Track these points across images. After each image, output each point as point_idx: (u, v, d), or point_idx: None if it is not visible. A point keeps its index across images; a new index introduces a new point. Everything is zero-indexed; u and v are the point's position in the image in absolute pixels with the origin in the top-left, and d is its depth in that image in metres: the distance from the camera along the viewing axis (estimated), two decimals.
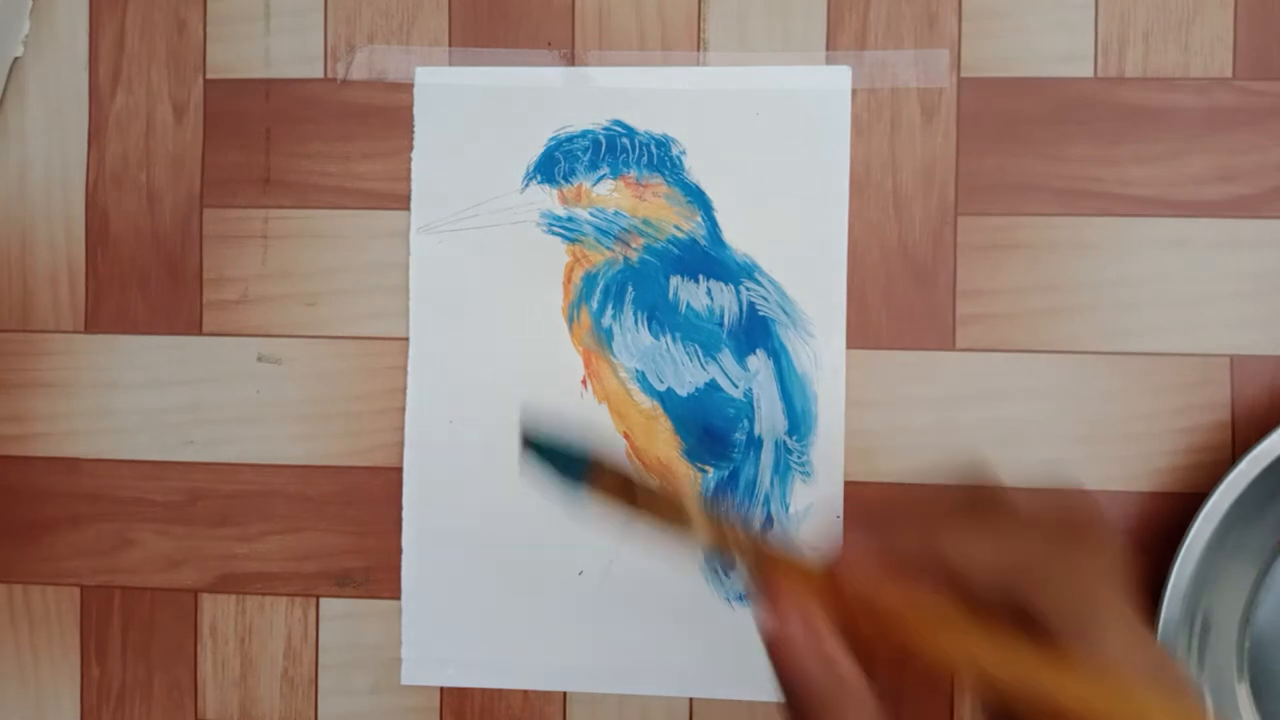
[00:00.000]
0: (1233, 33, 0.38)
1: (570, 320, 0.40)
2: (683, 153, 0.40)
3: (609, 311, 0.40)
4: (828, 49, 0.39)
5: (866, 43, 0.39)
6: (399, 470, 0.40)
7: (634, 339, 0.39)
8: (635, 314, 0.40)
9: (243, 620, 0.41)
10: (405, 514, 0.40)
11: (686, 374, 0.39)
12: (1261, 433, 0.35)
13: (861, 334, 0.39)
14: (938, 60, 0.39)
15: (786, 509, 0.39)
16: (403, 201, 0.41)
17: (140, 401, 0.41)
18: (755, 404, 0.39)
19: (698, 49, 0.40)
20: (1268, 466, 0.35)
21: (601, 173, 0.40)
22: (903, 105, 0.39)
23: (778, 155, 0.39)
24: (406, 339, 0.40)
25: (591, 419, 0.39)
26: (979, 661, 0.22)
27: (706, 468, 0.39)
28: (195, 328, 0.41)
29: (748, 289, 0.39)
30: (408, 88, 0.41)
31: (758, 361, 0.39)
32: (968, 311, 0.39)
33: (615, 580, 0.39)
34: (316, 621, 0.41)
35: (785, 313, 0.39)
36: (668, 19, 0.40)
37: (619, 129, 0.40)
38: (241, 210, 0.41)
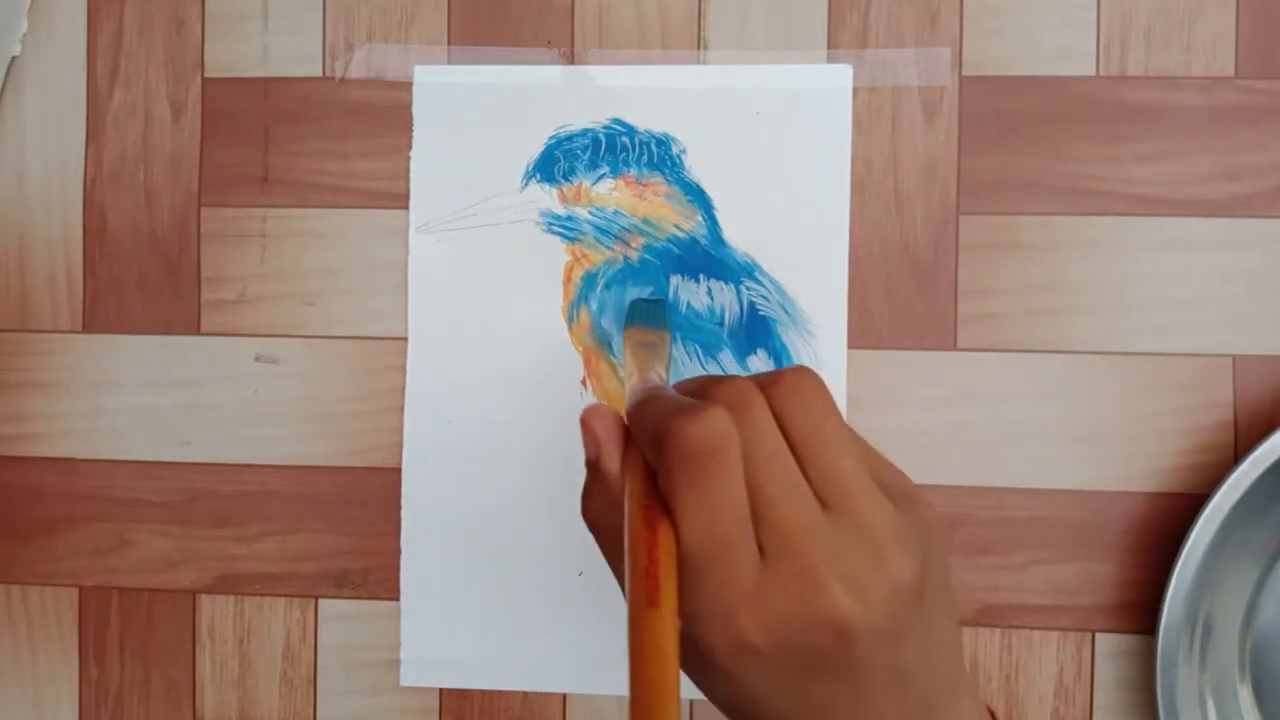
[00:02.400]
0: (1235, 31, 0.38)
1: (570, 320, 0.40)
2: (683, 151, 0.39)
3: (609, 311, 0.39)
4: (829, 47, 0.39)
5: (868, 41, 0.39)
6: (399, 470, 0.40)
7: None
8: None
9: (241, 621, 0.41)
10: (405, 514, 0.40)
11: (687, 374, 0.39)
12: (1264, 433, 0.35)
13: (862, 334, 0.39)
14: (939, 59, 0.39)
15: None
16: (401, 201, 0.40)
17: (138, 401, 0.41)
18: None
19: (698, 48, 0.40)
20: (1270, 467, 0.35)
21: (601, 172, 0.40)
22: (904, 104, 0.39)
23: (778, 154, 0.39)
24: (406, 339, 0.40)
25: None
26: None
27: None
28: (193, 327, 0.41)
29: (748, 288, 0.39)
30: (406, 86, 0.40)
31: (758, 361, 0.39)
32: (968, 311, 0.39)
33: (615, 580, 0.39)
34: (315, 622, 0.41)
35: (786, 312, 0.39)
36: (667, 18, 0.40)
37: (619, 128, 0.40)
38: (240, 209, 0.41)
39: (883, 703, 0.23)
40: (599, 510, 0.26)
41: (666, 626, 0.22)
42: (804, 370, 0.25)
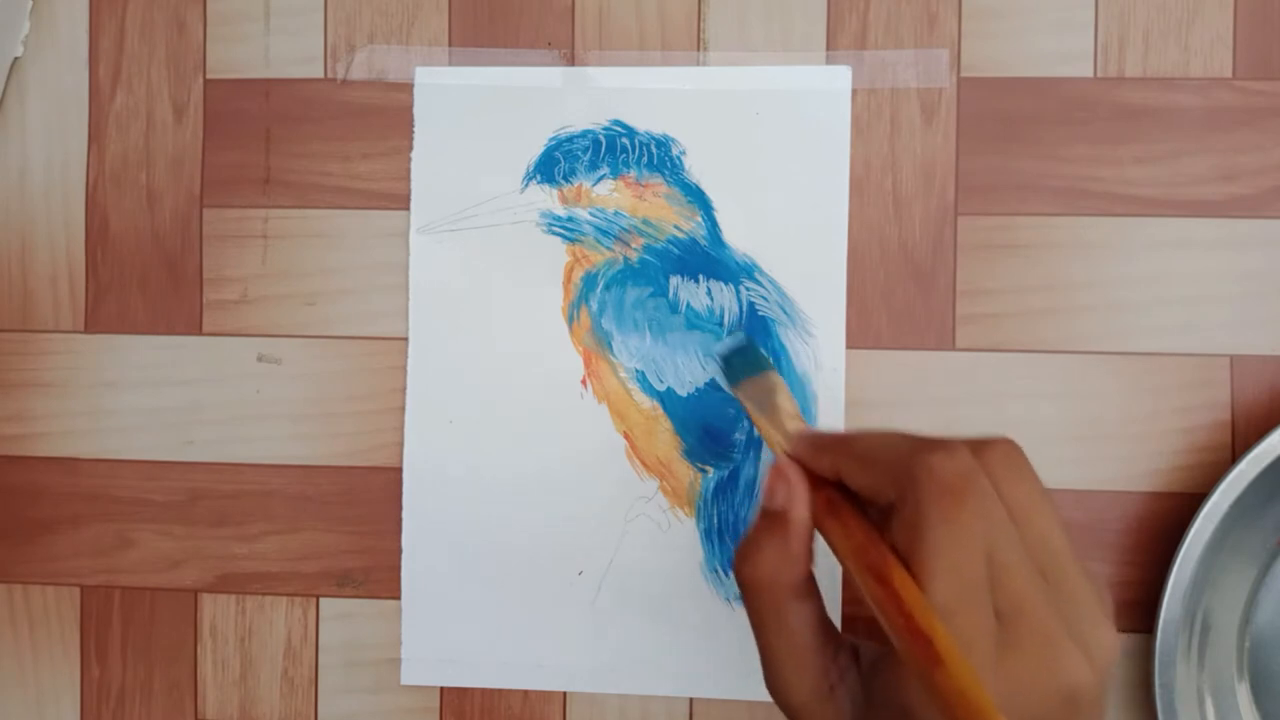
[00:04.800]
0: (1232, 32, 0.38)
1: (570, 320, 0.40)
2: (683, 153, 0.40)
3: (609, 311, 0.40)
4: (828, 49, 0.39)
5: (866, 42, 0.39)
6: (399, 470, 0.40)
7: (634, 339, 0.40)
8: (635, 314, 0.40)
9: (243, 620, 0.41)
10: (405, 514, 0.40)
11: (686, 374, 0.39)
12: (1261, 433, 0.36)
13: (861, 334, 0.39)
14: (938, 60, 0.39)
15: None
16: (402, 201, 0.41)
17: (140, 401, 0.41)
18: None
19: (698, 49, 0.40)
20: (1267, 467, 0.35)
21: (601, 173, 0.40)
22: (903, 105, 0.39)
23: (778, 155, 0.39)
24: (406, 339, 0.40)
25: (591, 419, 0.39)
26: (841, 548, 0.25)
27: (707, 468, 0.39)
28: (195, 328, 0.41)
29: (748, 289, 0.39)
30: (407, 88, 0.41)
31: None
32: (968, 311, 0.39)
33: (615, 580, 0.39)
34: (316, 621, 0.41)
35: (785, 313, 0.39)
36: (668, 19, 0.40)
37: (619, 129, 0.40)
38: (241, 210, 0.41)
39: None
40: (771, 565, 0.25)
41: (965, 679, 0.21)
42: (1012, 441, 0.25)
